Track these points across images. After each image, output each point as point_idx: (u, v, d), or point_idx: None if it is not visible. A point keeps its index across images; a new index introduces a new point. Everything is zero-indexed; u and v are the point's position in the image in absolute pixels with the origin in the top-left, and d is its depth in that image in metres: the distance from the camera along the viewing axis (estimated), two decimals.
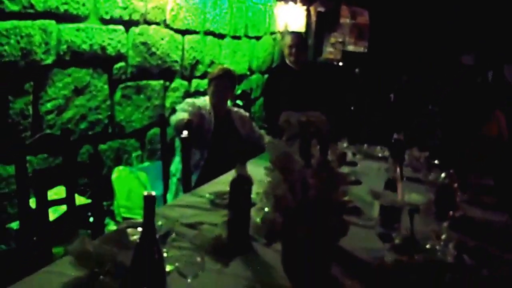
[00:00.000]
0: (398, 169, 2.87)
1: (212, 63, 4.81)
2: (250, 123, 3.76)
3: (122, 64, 3.71)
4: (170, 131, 3.48)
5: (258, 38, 5.66)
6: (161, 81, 4.17)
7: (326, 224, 1.63)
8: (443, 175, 2.33)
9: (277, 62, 6.09)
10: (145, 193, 1.26)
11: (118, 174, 3.76)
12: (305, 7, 5.99)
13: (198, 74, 4.63)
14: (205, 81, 4.70)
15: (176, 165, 3.55)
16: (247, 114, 3.82)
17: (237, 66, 5.27)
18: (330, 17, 6.12)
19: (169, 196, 3.48)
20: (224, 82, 3.56)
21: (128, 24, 3.70)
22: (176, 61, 4.30)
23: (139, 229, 1.66)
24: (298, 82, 4.40)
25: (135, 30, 3.78)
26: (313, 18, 6.08)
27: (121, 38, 3.65)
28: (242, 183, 2.02)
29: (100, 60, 3.50)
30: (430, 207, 2.06)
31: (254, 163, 2.90)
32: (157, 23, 4.00)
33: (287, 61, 4.54)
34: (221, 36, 4.93)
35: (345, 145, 3.49)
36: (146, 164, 4.06)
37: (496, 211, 2.61)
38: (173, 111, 3.52)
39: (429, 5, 5.69)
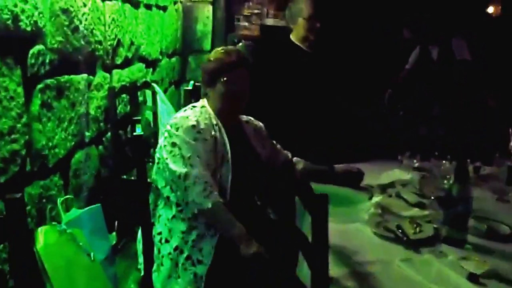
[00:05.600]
0: None
1: (131, 44, 3.27)
2: (269, 139, 2.40)
3: (40, 47, 2.07)
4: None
5: (165, 8, 4.18)
6: (85, 75, 2.56)
7: None
8: None
9: (180, 43, 4.67)
10: None
11: (45, 240, 2.13)
12: None
13: (119, 61, 3.06)
14: (126, 71, 3.19)
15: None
16: (262, 124, 2.41)
17: (152, 48, 3.77)
18: None
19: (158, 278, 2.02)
20: (245, 76, 2.14)
21: None
22: (100, 42, 2.72)
23: None
24: (312, 70, 2.83)
25: None
26: None
27: (37, 0, 2.01)
28: None
29: (10, 41, 1.85)
30: None
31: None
32: None
33: (294, 39, 2.84)
34: (137, 5, 3.40)
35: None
36: (76, 212, 2.45)
37: None
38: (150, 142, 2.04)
39: None
